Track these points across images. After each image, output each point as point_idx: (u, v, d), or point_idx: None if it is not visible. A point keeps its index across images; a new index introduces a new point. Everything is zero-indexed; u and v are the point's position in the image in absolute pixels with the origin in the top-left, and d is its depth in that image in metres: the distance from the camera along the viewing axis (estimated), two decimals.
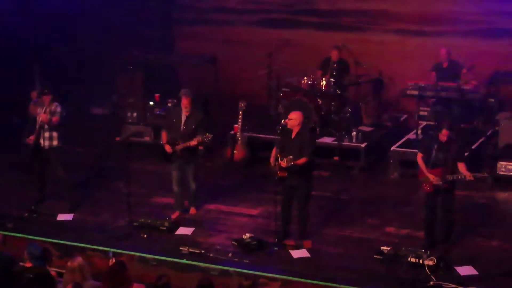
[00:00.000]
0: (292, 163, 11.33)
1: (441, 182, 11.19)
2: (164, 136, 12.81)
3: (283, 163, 11.36)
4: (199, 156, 13.12)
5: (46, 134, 12.93)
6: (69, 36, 17.32)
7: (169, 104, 15.72)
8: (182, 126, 12.60)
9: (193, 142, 12.36)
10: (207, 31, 17.57)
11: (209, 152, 15.20)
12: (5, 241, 10.22)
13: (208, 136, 12.29)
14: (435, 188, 11.32)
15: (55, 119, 12.82)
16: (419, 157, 11.56)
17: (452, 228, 11.62)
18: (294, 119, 11.70)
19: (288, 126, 11.73)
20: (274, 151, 11.83)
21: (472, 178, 11.15)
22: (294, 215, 11.94)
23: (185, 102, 12.55)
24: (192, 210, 12.99)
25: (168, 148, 12.59)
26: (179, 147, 12.45)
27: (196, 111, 12.70)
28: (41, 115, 12.78)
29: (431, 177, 11.30)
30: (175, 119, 12.72)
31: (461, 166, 11.23)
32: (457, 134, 12.07)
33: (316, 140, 14.80)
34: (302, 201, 11.81)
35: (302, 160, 11.43)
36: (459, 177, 11.20)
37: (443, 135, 11.25)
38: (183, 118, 12.60)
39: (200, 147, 14.87)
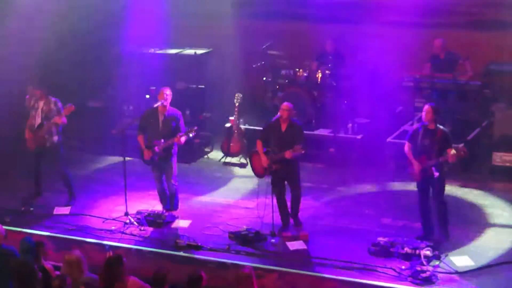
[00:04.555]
0: (303, 151, 11.42)
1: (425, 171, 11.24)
2: (141, 140, 12.52)
3: (289, 155, 11.41)
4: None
5: (47, 131, 12.97)
6: (65, 29, 17.26)
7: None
8: (160, 126, 12.39)
9: (176, 140, 12.17)
10: (202, 23, 17.53)
11: (205, 145, 15.23)
12: (5, 236, 10.29)
13: (192, 130, 12.23)
14: (423, 176, 11.34)
15: (64, 118, 12.87)
16: (406, 147, 11.60)
17: (447, 217, 11.64)
18: (287, 109, 11.75)
19: (280, 114, 11.78)
20: (259, 145, 11.90)
21: (454, 153, 11.04)
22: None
23: (165, 96, 12.29)
24: (174, 213, 12.66)
25: (147, 154, 12.39)
26: (160, 147, 12.27)
27: (173, 109, 12.44)
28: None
29: (415, 166, 11.34)
30: (152, 120, 12.42)
31: (450, 151, 11.16)
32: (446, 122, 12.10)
33: (312, 132, 14.87)
34: (296, 186, 12.00)
35: (302, 151, 11.50)
36: (440, 159, 11.20)
37: (426, 112, 11.27)
38: (161, 117, 12.37)
39: (196, 140, 14.96)
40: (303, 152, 11.57)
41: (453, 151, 11.05)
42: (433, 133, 11.31)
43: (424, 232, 11.62)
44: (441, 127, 11.42)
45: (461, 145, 11.42)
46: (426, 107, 11.42)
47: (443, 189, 11.56)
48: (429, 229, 11.60)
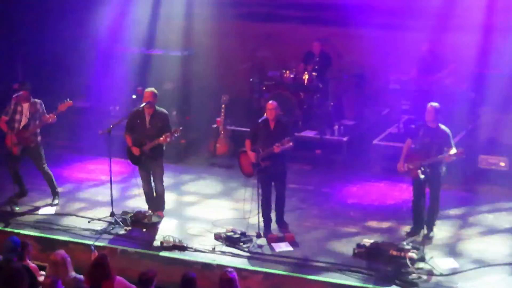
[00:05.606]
0: (291, 143, 11.44)
1: (420, 169, 11.29)
2: (128, 139, 12.49)
3: (277, 148, 11.42)
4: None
5: (33, 132, 12.93)
6: (50, 28, 17.24)
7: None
8: (147, 126, 12.35)
9: (162, 140, 12.15)
10: (189, 25, 17.52)
11: (192, 146, 15.22)
12: None
13: (177, 130, 12.22)
14: (420, 173, 11.43)
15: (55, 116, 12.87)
16: (406, 143, 11.77)
17: (435, 216, 11.73)
18: (273, 108, 11.77)
19: (268, 116, 11.79)
20: (248, 144, 11.92)
21: (454, 152, 11.20)
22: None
23: (150, 99, 12.25)
24: (160, 214, 12.65)
25: (136, 150, 12.36)
26: (147, 147, 12.24)
27: (159, 109, 12.41)
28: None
29: (399, 164, 11.56)
30: (139, 120, 12.38)
31: (450, 151, 11.31)
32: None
33: (298, 134, 14.89)
34: (282, 189, 12.03)
35: (291, 143, 11.55)
36: (438, 157, 11.29)
37: (429, 112, 11.42)
38: (147, 117, 12.33)
39: (182, 141, 14.94)
40: (291, 144, 11.55)
41: (453, 151, 11.16)
42: (434, 132, 11.42)
43: (415, 227, 11.72)
44: (443, 126, 11.50)
45: (460, 148, 11.49)
46: (429, 107, 11.52)
47: (440, 188, 11.68)
48: (419, 224, 11.62)
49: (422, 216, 11.60)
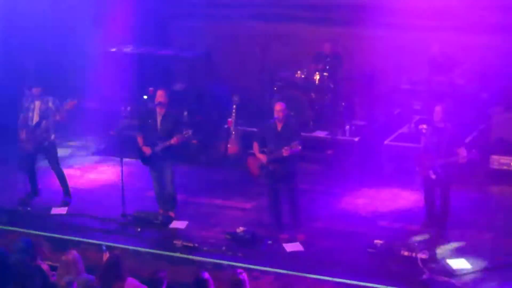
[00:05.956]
0: (299, 147, 11.41)
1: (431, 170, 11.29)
2: (140, 140, 12.51)
3: (286, 152, 11.39)
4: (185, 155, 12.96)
5: (45, 129, 12.97)
6: (61, 29, 17.30)
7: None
8: (158, 126, 12.34)
9: (174, 141, 12.16)
10: (200, 25, 17.54)
11: (203, 147, 15.24)
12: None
13: (188, 132, 12.22)
14: (429, 171, 11.47)
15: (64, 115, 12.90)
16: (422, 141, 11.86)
17: (446, 216, 11.77)
18: (281, 110, 11.75)
19: (280, 118, 11.77)
20: (256, 147, 11.90)
21: (465, 155, 11.25)
22: (285, 207, 12.03)
23: (161, 99, 12.27)
24: (171, 214, 12.65)
25: (147, 150, 12.38)
26: (159, 148, 12.25)
27: (171, 110, 12.43)
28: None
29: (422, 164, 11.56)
30: (150, 120, 12.38)
31: (461, 151, 11.31)
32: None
33: (310, 134, 14.88)
34: (293, 190, 11.92)
35: (299, 147, 11.49)
36: (451, 159, 11.30)
37: (437, 112, 11.44)
38: (159, 118, 12.33)
39: (194, 141, 14.95)
40: (299, 148, 11.52)
41: (463, 153, 11.15)
42: (442, 131, 11.45)
43: (426, 227, 11.83)
44: (451, 126, 11.52)
45: (472, 151, 11.49)
46: (437, 107, 11.54)
47: (450, 188, 11.70)
48: (431, 224, 11.76)
49: (433, 216, 11.60)
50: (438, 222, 11.62)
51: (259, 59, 16.62)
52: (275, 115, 11.80)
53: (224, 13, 17.51)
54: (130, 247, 11.72)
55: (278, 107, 11.81)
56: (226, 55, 17.19)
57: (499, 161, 13.86)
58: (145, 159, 12.50)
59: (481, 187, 13.68)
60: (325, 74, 15.75)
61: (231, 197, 13.61)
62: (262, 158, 11.81)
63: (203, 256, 11.38)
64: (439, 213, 11.66)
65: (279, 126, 11.78)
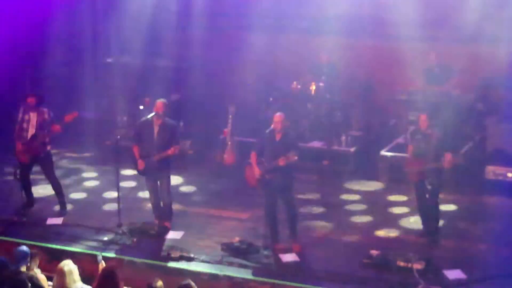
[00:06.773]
0: (296, 157, 11.41)
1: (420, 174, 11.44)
2: (136, 150, 12.47)
3: (282, 161, 11.39)
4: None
5: (41, 141, 12.97)
6: (60, 40, 17.32)
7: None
8: (155, 137, 12.31)
9: (171, 152, 12.16)
10: (197, 36, 17.56)
11: (199, 157, 15.24)
12: None
13: (186, 142, 12.19)
14: (419, 177, 11.67)
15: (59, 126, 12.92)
16: (409, 149, 12.09)
17: (435, 223, 11.95)
18: (280, 121, 11.75)
19: (274, 127, 11.77)
20: (254, 156, 11.91)
21: (451, 159, 11.35)
22: (281, 217, 12.01)
23: (160, 110, 12.23)
24: (167, 224, 12.62)
25: (141, 164, 12.36)
26: (156, 158, 12.19)
27: (169, 120, 12.40)
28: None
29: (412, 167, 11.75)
30: (147, 131, 12.35)
31: (448, 157, 11.39)
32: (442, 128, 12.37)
33: (306, 144, 14.89)
34: (290, 200, 11.90)
35: (295, 157, 11.49)
36: (436, 164, 11.43)
37: (422, 120, 11.68)
38: (156, 129, 12.29)
39: (190, 151, 14.95)
40: (296, 158, 11.51)
41: (448, 158, 11.22)
42: (429, 137, 11.64)
43: (424, 229, 12.03)
44: (438, 132, 11.66)
45: (456, 156, 11.58)
46: (422, 116, 11.76)
47: (437, 194, 11.86)
48: (427, 226, 11.98)
49: (428, 218, 11.73)
50: (428, 228, 11.77)
51: (255, 70, 16.61)
52: (274, 125, 11.79)
53: (220, 24, 17.52)
54: (126, 257, 11.70)
55: (277, 118, 11.80)
56: (222, 65, 17.20)
57: (494, 172, 13.88)
58: (141, 170, 12.49)
59: (476, 197, 13.68)
60: (321, 84, 15.77)
61: (227, 207, 13.60)
62: (257, 172, 11.80)
63: (199, 267, 11.35)
64: (428, 218, 11.81)
65: (278, 137, 11.78)
